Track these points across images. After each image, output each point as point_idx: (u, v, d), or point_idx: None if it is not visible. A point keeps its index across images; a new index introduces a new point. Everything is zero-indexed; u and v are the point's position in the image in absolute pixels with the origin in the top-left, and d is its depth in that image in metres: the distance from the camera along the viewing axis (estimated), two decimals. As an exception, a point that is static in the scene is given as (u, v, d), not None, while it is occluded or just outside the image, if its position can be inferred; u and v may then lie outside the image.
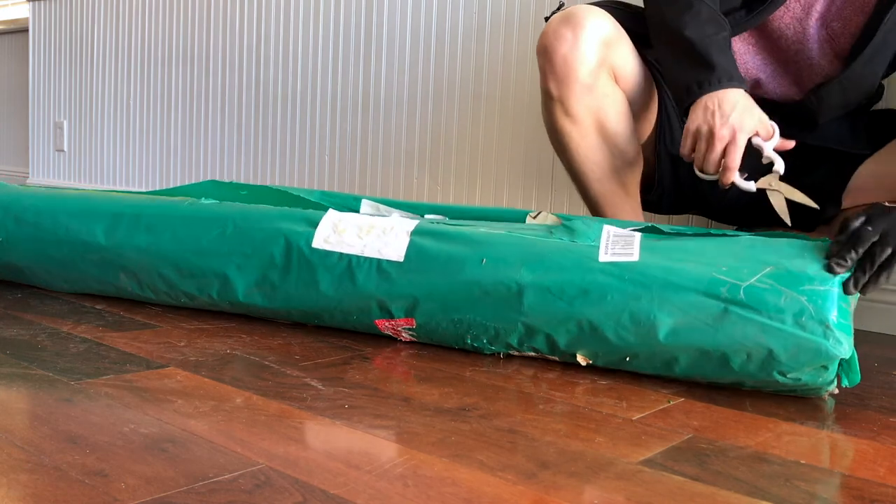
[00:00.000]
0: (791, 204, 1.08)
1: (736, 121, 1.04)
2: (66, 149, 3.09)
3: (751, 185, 1.08)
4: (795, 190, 1.08)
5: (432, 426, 0.76)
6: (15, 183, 3.44)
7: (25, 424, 0.71)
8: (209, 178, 2.56)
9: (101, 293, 1.27)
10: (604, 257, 0.94)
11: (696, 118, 1.07)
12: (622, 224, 1.03)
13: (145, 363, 0.92)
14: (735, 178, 1.06)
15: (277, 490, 0.59)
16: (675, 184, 1.27)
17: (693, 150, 1.09)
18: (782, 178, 1.08)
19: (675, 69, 1.12)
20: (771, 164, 1.08)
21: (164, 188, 2.57)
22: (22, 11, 3.58)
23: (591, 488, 0.63)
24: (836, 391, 0.91)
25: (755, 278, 0.87)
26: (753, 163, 1.08)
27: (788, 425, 0.82)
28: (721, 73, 1.07)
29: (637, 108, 1.23)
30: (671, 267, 0.91)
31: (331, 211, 1.10)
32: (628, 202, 1.24)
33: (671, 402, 0.88)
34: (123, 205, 1.22)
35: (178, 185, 2.67)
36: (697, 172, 1.09)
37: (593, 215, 1.27)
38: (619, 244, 0.95)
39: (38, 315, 1.15)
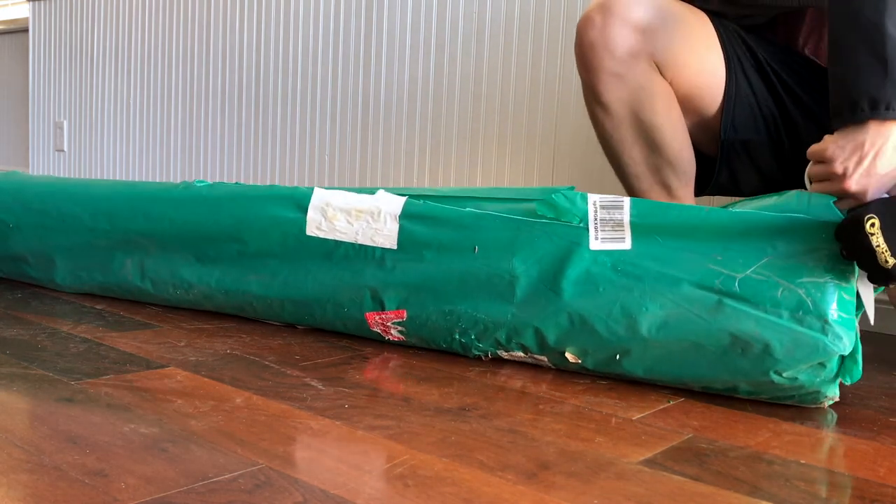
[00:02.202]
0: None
1: (877, 182, 0.86)
2: (66, 149, 3.09)
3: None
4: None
5: (432, 426, 0.76)
6: (15, 183, 3.42)
7: (25, 424, 0.71)
8: (209, 177, 2.56)
9: (102, 289, 1.27)
10: (594, 244, 0.92)
11: (842, 151, 0.87)
12: None
13: (145, 363, 0.92)
14: None
15: (277, 490, 0.59)
16: (747, 170, 1.15)
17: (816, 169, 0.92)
18: None
19: (846, 67, 0.88)
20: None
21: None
22: (22, 11, 3.58)
23: (591, 488, 0.63)
24: (836, 398, 0.89)
25: (751, 269, 0.85)
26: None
27: (788, 425, 0.82)
28: None
29: (698, 98, 1.13)
30: (664, 256, 0.89)
31: (316, 190, 1.08)
32: None
33: (671, 402, 0.88)
34: (121, 193, 1.23)
35: (178, 185, 2.67)
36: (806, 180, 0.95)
37: None
38: (608, 225, 0.92)
39: (38, 315, 1.15)
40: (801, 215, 0.85)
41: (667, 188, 1.15)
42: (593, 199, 0.94)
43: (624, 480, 0.65)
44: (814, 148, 0.92)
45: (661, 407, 0.86)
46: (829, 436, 0.80)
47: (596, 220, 0.93)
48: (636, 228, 0.91)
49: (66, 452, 0.65)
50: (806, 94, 1.11)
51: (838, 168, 0.87)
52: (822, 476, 0.69)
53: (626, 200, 0.92)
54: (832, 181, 0.89)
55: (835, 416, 0.86)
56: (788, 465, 0.70)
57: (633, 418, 0.81)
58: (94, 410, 0.75)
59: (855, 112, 0.86)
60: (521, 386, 0.92)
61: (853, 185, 0.86)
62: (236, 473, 0.62)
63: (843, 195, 0.88)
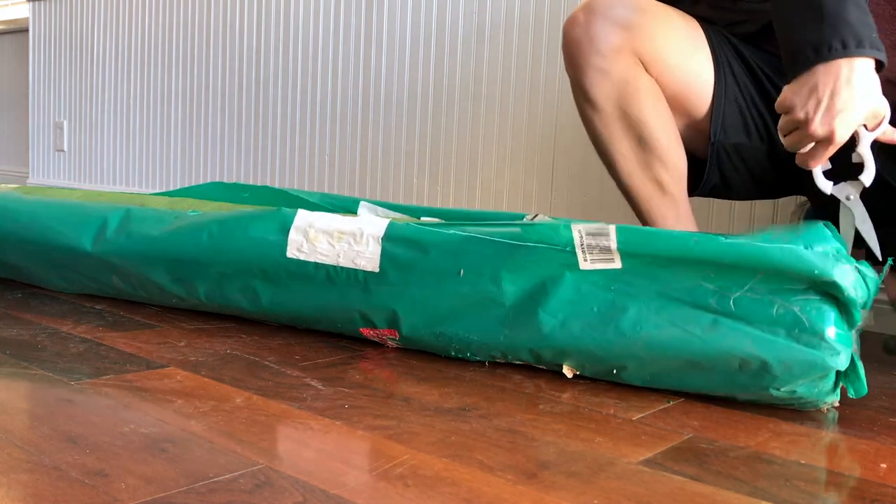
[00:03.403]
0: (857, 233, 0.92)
1: (840, 119, 0.87)
2: (66, 149, 3.09)
3: (826, 186, 0.93)
4: (869, 223, 0.90)
5: (432, 426, 0.76)
6: (15, 183, 3.45)
7: (25, 424, 0.71)
8: (209, 178, 2.56)
9: (100, 293, 1.27)
10: (584, 265, 0.91)
11: (799, 97, 0.89)
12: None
13: (145, 363, 0.92)
14: (815, 171, 0.92)
15: (277, 490, 0.59)
16: (739, 174, 1.16)
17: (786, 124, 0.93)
18: (865, 193, 0.92)
19: (786, 25, 0.91)
20: (860, 165, 0.90)
21: (167, 190, 2.57)
22: (22, 11, 3.58)
23: (591, 488, 0.63)
24: (836, 404, 0.88)
25: (745, 288, 0.84)
26: (842, 152, 0.92)
27: (788, 425, 0.82)
28: (847, 35, 0.85)
29: (685, 98, 1.13)
30: (657, 276, 0.88)
31: (299, 213, 1.07)
32: (666, 202, 1.15)
33: (671, 402, 0.88)
34: (109, 215, 1.22)
35: (179, 185, 2.67)
36: (780, 137, 0.96)
37: (636, 216, 1.18)
38: (595, 250, 0.91)
39: (38, 315, 1.15)
40: (793, 246, 0.82)
41: (658, 184, 1.15)
42: (577, 228, 0.92)
43: (624, 480, 0.65)
44: (777, 101, 0.94)
45: (661, 407, 0.86)
46: (829, 436, 0.80)
47: (583, 245, 0.91)
48: (624, 254, 0.90)
49: (66, 452, 0.65)
50: None
51: (800, 115, 0.89)
52: (823, 476, 0.69)
53: (612, 228, 0.90)
54: (800, 129, 0.91)
55: (835, 416, 0.86)
56: (788, 465, 0.70)
57: (633, 418, 0.81)
58: (94, 410, 0.75)
59: (800, 61, 0.89)
60: (521, 386, 0.92)
61: (818, 128, 0.88)
62: (236, 473, 0.62)
63: (812, 141, 0.90)
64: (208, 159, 2.57)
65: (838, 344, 0.82)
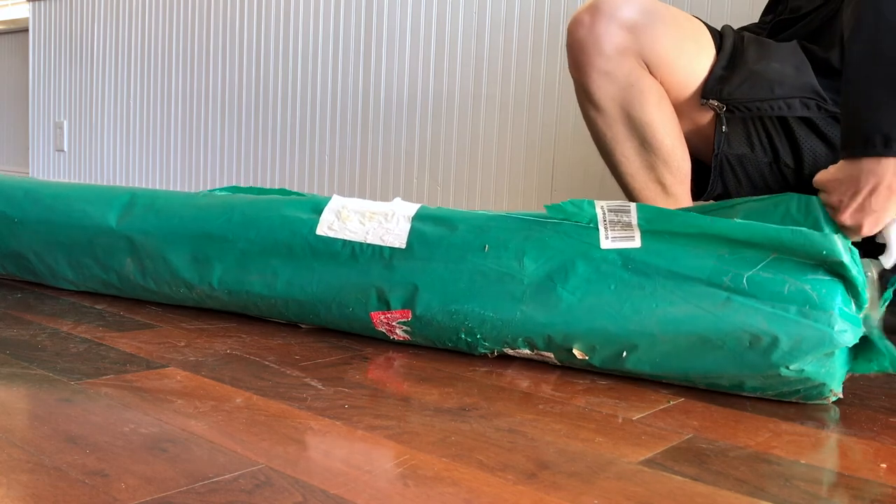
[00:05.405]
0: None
1: (871, 218, 0.88)
2: (66, 149, 3.10)
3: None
4: (880, 304, 0.88)
5: (432, 426, 0.76)
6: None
7: (25, 424, 0.71)
8: (209, 178, 2.56)
9: (104, 285, 1.27)
10: (605, 244, 0.94)
11: (839, 184, 0.88)
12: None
13: (145, 363, 0.92)
14: None
15: (277, 490, 0.59)
16: (742, 185, 1.16)
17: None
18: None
19: (864, 103, 0.86)
20: (882, 245, 0.90)
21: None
22: (22, 11, 3.59)
23: (591, 488, 0.63)
24: (840, 395, 0.89)
25: (758, 267, 0.87)
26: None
27: (789, 425, 0.82)
28: None
29: (689, 103, 1.13)
30: (673, 255, 0.91)
31: (335, 196, 1.12)
32: (669, 204, 1.15)
33: (671, 402, 0.88)
34: (138, 193, 1.26)
35: (180, 185, 2.67)
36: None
37: None
38: (617, 226, 0.94)
39: (38, 315, 1.15)
40: (804, 229, 0.86)
41: (661, 185, 1.15)
42: (600, 204, 0.96)
43: (624, 480, 0.65)
44: (816, 178, 0.94)
45: (662, 407, 0.86)
46: (830, 436, 0.80)
47: (605, 221, 0.95)
48: (644, 231, 0.93)
49: (66, 452, 0.65)
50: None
51: (834, 200, 0.90)
52: (823, 476, 0.69)
53: (633, 205, 0.95)
54: (831, 210, 0.92)
55: (835, 415, 0.86)
56: (789, 465, 0.70)
57: (634, 418, 0.82)
58: (94, 410, 0.75)
59: (867, 146, 0.86)
60: (522, 386, 0.92)
61: (847, 219, 0.89)
62: (236, 473, 0.62)
63: (839, 225, 0.91)
64: (208, 159, 2.57)
65: (846, 322, 0.84)
